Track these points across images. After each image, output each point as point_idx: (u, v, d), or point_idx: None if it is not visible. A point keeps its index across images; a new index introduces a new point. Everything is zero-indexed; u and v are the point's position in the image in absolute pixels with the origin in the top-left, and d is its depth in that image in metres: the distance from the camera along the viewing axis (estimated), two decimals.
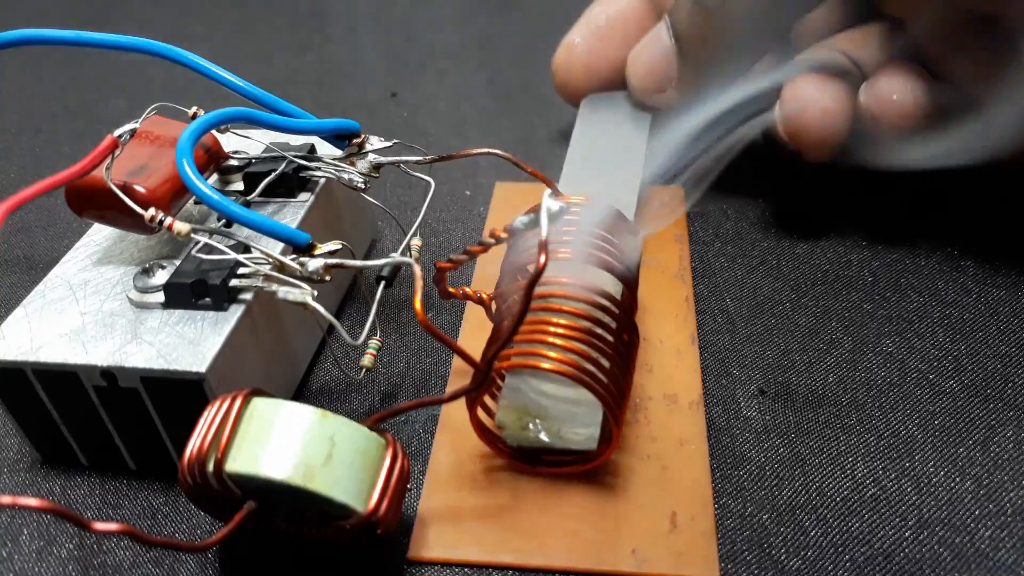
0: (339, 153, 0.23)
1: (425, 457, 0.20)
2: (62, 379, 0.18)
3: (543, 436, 0.19)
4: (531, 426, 0.19)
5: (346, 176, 0.22)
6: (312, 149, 0.24)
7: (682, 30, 0.26)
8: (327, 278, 0.19)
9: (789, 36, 0.29)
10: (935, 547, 0.17)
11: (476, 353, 0.18)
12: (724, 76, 0.28)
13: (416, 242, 0.22)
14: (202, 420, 0.16)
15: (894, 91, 0.24)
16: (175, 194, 0.20)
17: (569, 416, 0.19)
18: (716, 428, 0.20)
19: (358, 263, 0.19)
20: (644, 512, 0.18)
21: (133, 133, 0.20)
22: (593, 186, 0.25)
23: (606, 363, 0.17)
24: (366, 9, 0.47)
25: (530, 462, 0.19)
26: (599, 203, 0.19)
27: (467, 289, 0.21)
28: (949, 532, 0.18)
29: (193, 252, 0.19)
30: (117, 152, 0.20)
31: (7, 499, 0.14)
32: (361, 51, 0.43)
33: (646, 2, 0.30)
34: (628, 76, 0.29)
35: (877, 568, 0.17)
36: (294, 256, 0.19)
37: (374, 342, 0.22)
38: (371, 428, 0.17)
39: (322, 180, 0.23)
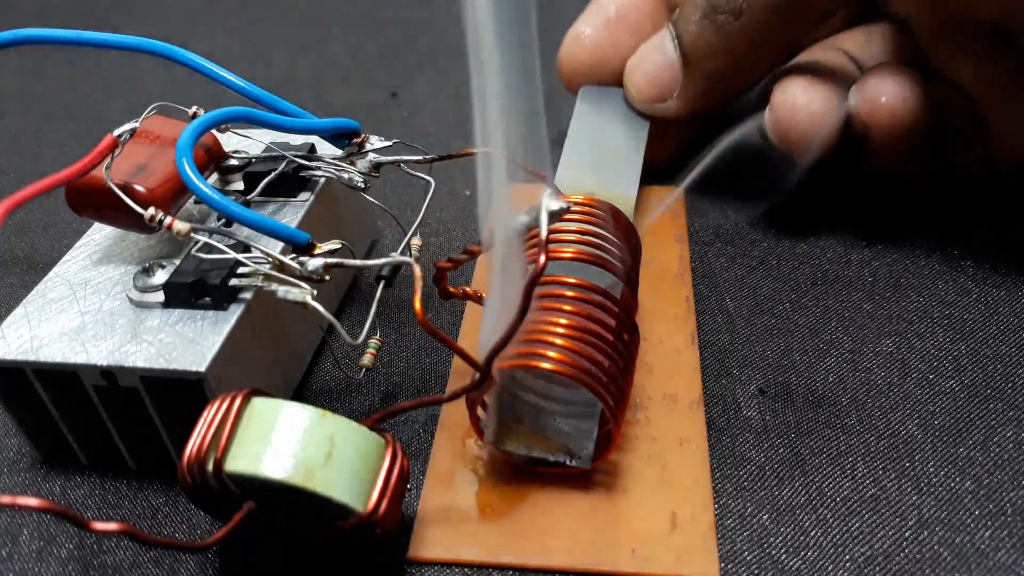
0: (339, 153, 0.23)
1: (425, 457, 0.20)
2: (62, 379, 0.18)
3: (536, 454, 0.19)
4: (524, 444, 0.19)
5: (346, 176, 0.22)
6: (312, 149, 0.24)
7: (689, 43, 0.25)
8: (327, 277, 0.19)
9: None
10: (935, 547, 0.17)
11: (476, 353, 0.18)
12: (731, 89, 0.27)
13: (416, 242, 0.22)
14: (202, 420, 0.16)
15: (883, 93, 0.23)
16: (175, 194, 0.20)
17: (568, 418, 0.19)
18: (716, 428, 0.20)
19: (358, 263, 0.19)
20: (644, 512, 0.18)
21: (133, 133, 0.20)
22: (591, 182, 0.25)
23: (606, 363, 0.17)
24: (366, 9, 0.47)
25: (530, 462, 0.19)
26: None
27: (467, 289, 0.21)
28: (949, 532, 0.18)
29: (193, 252, 0.19)
30: (117, 152, 0.20)
31: (7, 499, 0.14)
32: (361, 51, 0.43)
33: None
34: (626, 85, 0.28)
35: (877, 568, 0.17)
36: (294, 255, 0.19)
37: (374, 342, 0.22)
38: (371, 428, 0.17)
39: (322, 180, 0.23)
